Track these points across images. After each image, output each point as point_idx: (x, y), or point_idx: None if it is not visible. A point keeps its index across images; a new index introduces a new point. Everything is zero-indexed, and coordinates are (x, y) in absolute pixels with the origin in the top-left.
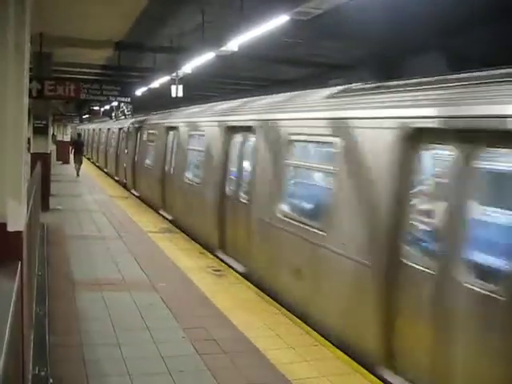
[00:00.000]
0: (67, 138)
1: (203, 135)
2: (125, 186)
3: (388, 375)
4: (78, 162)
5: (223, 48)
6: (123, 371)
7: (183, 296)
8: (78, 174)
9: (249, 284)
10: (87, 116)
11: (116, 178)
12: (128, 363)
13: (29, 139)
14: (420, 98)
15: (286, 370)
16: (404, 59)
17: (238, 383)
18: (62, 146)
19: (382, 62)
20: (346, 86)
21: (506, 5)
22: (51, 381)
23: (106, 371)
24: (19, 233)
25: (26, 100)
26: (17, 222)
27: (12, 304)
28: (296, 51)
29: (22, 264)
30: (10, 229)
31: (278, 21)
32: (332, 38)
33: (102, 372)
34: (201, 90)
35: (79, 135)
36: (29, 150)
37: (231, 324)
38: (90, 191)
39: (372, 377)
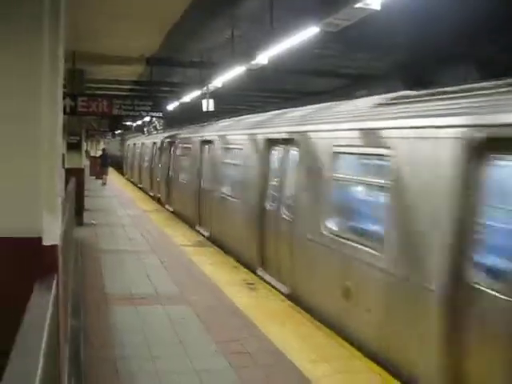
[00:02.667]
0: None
1: (241, 148)
2: (159, 201)
3: None
4: (105, 173)
5: (253, 62)
6: None
7: (215, 309)
8: (104, 183)
9: (282, 297)
10: (120, 132)
11: (150, 194)
12: (161, 377)
13: (63, 155)
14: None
15: (320, 383)
16: (432, 69)
17: None
18: (95, 162)
19: (410, 72)
20: (397, 94)
21: None
22: None
23: None
24: (55, 246)
25: (60, 116)
26: (52, 236)
27: (48, 317)
28: (324, 63)
29: (57, 277)
30: (45, 243)
31: (308, 33)
32: (360, 49)
33: None
34: (231, 104)
35: (104, 150)
36: (63, 165)
37: (264, 336)
38: (123, 206)
39: None
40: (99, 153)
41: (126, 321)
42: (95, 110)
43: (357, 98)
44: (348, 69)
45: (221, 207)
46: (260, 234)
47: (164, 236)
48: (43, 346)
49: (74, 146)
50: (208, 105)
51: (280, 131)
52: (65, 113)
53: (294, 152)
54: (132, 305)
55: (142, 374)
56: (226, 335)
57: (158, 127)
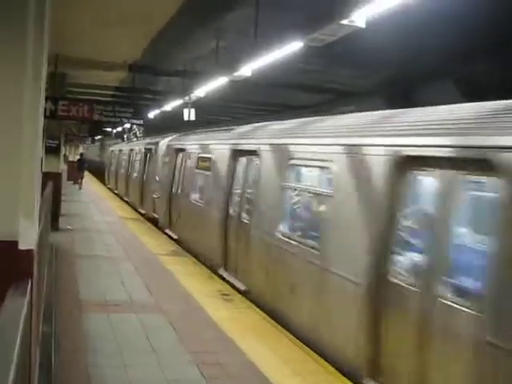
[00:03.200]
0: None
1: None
2: (153, 222)
3: None
4: (81, 176)
5: (236, 73)
6: None
7: (190, 319)
8: (80, 188)
9: (257, 309)
10: (100, 137)
11: (141, 211)
12: None
13: (41, 159)
14: None
15: None
16: (415, 86)
17: None
18: (73, 167)
19: (394, 90)
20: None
21: None
22: None
23: None
24: (30, 251)
25: (41, 120)
26: (28, 241)
27: (22, 322)
28: (308, 77)
29: (32, 282)
30: (21, 247)
31: (292, 47)
32: (344, 65)
33: None
34: (213, 114)
35: (81, 155)
36: (41, 169)
37: (238, 349)
38: (100, 212)
39: None
40: (77, 158)
41: (100, 328)
42: (75, 114)
43: (341, 113)
44: (332, 84)
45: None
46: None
47: (140, 244)
48: (16, 351)
49: (52, 150)
50: (189, 114)
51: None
52: (45, 116)
53: (256, 162)
54: (106, 312)
55: (113, 381)
56: (200, 346)
57: (138, 134)
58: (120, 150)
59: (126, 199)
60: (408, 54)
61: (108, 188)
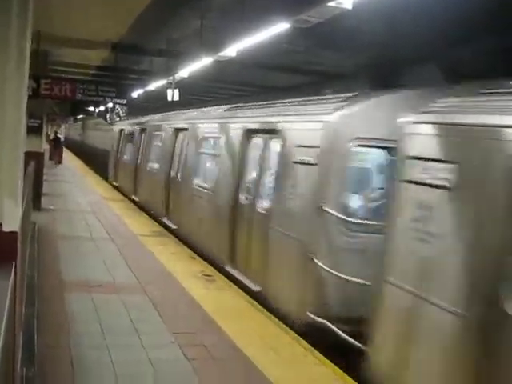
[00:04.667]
0: (61, 138)
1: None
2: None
3: None
4: (58, 154)
5: (221, 53)
6: (111, 375)
7: (173, 300)
8: (56, 163)
9: (239, 290)
10: (82, 116)
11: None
12: (116, 367)
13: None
14: None
15: (274, 378)
16: (398, 70)
17: None
18: (54, 145)
19: (378, 73)
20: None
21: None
22: (39, 383)
23: (94, 374)
24: (14, 233)
25: (25, 99)
26: (12, 223)
27: (6, 304)
28: (293, 59)
29: (16, 265)
30: (5, 229)
31: (278, 28)
32: (329, 47)
33: (89, 375)
34: (197, 94)
35: (56, 133)
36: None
37: (220, 330)
38: (82, 192)
39: None
40: (59, 137)
41: (82, 309)
42: (58, 93)
43: (325, 94)
44: (316, 65)
45: None
46: None
47: (122, 224)
48: (2, 333)
49: (34, 130)
50: (173, 94)
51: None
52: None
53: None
54: (88, 292)
55: (96, 362)
56: (183, 327)
57: (120, 114)
58: (141, 130)
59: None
60: (393, 37)
61: (111, 185)
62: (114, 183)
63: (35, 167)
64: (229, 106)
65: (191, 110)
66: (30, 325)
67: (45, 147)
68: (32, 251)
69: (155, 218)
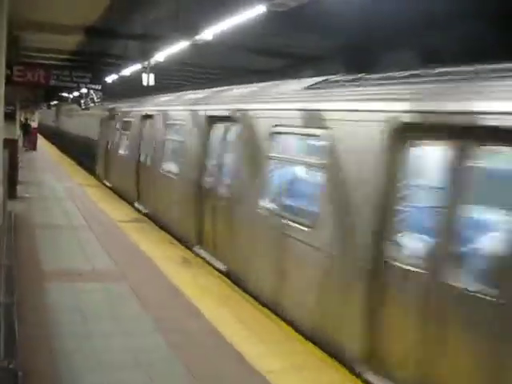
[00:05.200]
0: (35, 125)
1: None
2: None
3: None
4: (29, 140)
5: (198, 37)
6: (93, 364)
7: (153, 286)
8: (28, 149)
9: (217, 273)
10: (56, 103)
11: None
12: (98, 355)
13: None
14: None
15: (255, 362)
16: (377, 53)
17: (209, 375)
18: (29, 132)
19: (356, 55)
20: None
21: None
22: (20, 374)
23: (77, 363)
24: None
25: (3, 88)
26: None
27: None
28: (271, 42)
29: None
30: None
31: (255, 11)
32: (307, 30)
33: (71, 364)
34: (173, 79)
35: (26, 120)
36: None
37: (201, 315)
38: (58, 178)
39: (344, 370)
40: (33, 124)
41: (63, 298)
42: (31, 79)
43: (302, 78)
44: (295, 49)
45: None
46: None
47: (100, 211)
48: None
49: (7, 116)
50: (148, 79)
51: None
52: None
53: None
54: (68, 281)
55: (78, 352)
56: (164, 313)
57: (95, 100)
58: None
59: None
60: (370, 20)
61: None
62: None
63: (10, 154)
64: (193, 91)
65: (160, 96)
66: (9, 315)
67: (18, 134)
68: (9, 241)
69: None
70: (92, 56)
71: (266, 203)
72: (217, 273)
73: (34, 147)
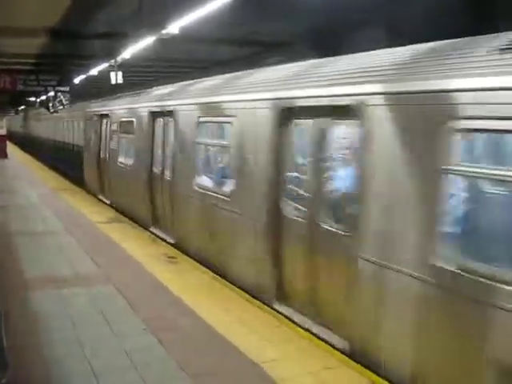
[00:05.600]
0: (2, 132)
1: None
2: None
3: None
4: None
5: (164, 31)
6: (87, 369)
7: (139, 286)
8: None
9: (203, 269)
10: (23, 107)
11: None
12: (91, 361)
13: None
14: None
15: (251, 353)
16: (343, 34)
17: (206, 371)
18: None
19: (321, 38)
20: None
21: None
22: None
23: (70, 370)
24: None
25: None
26: None
27: None
28: (235, 31)
29: None
30: None
31: (220, 1)
32: (272, 17)
33: (64, 371)
34: (140, 75)
35: None
36: None
37: (191, 311)
38: (30, 184)
39: (335, 352)
40: (1, 131)
41: (50, 305)
42: None
43: (268, 65)
44: (259, 36)
45: None
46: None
47: (77, 214)
48: None
49: None
50: (116, 77)
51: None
52: None
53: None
54: (54, 288)
55: (70, 358)
56: (153, 312)
57: (64, 102)
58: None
59: None
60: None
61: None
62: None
63: None
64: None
65: (122, 95)
66: None
67: None
68: None
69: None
70: (58, 58)
71: (198, 181)
72: (204, 268)
73: (4, 155)
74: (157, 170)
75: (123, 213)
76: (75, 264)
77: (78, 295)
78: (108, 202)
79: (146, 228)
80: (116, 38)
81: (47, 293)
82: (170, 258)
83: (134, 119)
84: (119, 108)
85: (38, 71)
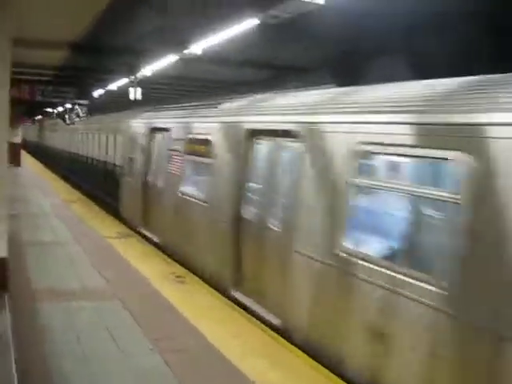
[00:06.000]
0: (18, 140)
1: None
2: None
3: None
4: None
5: (186, 51)
6: None
7: (147, 304)
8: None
9: (212, 290)
10: (39, 118)
11: None
12: (96, 378)
13: None
14: None
15: (257, 378)
16: (361, 64)
17: None
18: (12, 148)
19: (343, 66)
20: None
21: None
22: None
23: None
24: (4, 260)
25: (8, 106)
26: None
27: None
28: (257, 54)
29: (7, 293)
30: None
31: (247, 24)
32: (294, 41)
33: None
34: (160, 92)
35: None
36: None
37: (198, 333)
38: (43, 194)
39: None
40: (17, 139)
41: (56, 318)
42: (17, 95)
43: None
44: (282, 61)
45: None
46: None
47: (87, 227)
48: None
49: None
50: (136, 93)
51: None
52: None
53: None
54: (61, 301)
55: (75, 374)
56: (160, 332)
57: (80, 114)
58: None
59: None
60: (355, 31)
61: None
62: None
63: None
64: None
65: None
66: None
67: None
68: None
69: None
70: (78, 71)
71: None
72: (212, 290)
73: (18, 163)
74: (252, 214)
75: (175, 255)
76: (83, 278)
77: (85, 310)
78: (155, 239)
79: (219, 288)
80: (137, 54)
81: (54, 306)
82: (178, 277)
83: (211, 137)
84: (186, 122)
85: (58, 83)
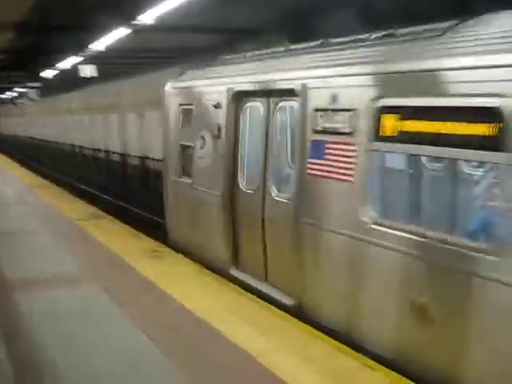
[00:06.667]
0: None
1: None
2: None
3: None
4: None
5: (138, 22)
6: (78, 373)
7: (125, 283)
8: None
9: (189, 261)
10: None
11: None
12: (82, 364)
13: None
14: None
15: (247, 346)
16: (315, 19)
17: (202, 366)
18: None
19: (294, 24)
20: None
21: None
22: None
23: (62, 375)
24: None
25: None
26: None
27: None
28: (205, 19)
29: None
30: None
31: None
32: (241, 4)
33: (57, 376)
34: (113, 67)
35: None
36: None
37: (181, 306)
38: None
39: (333, 342)
40: None
41: (33, 307)
42: None
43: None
44: (231, 24)
45: None
46: None
47: (55, 212)
48: None
49: None
50: (88, 70)
51: None
52: None
53: None
54: (37, 290)
55: (61, 360)
56: (141, 309)
57: (33, 98)
58: None
59: None
60: None
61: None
62: None
63: None
64: None
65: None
66: None
67: None
68: None
69: None
70: (26, 53)
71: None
72: (191, 261)
73: None
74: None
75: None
76: (58, 263)
77: (63, 296)
78: (283, 299)
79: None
80: (87, 29)
81: (31, 295)
82: (155, 251)
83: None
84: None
85: (7, 67)
